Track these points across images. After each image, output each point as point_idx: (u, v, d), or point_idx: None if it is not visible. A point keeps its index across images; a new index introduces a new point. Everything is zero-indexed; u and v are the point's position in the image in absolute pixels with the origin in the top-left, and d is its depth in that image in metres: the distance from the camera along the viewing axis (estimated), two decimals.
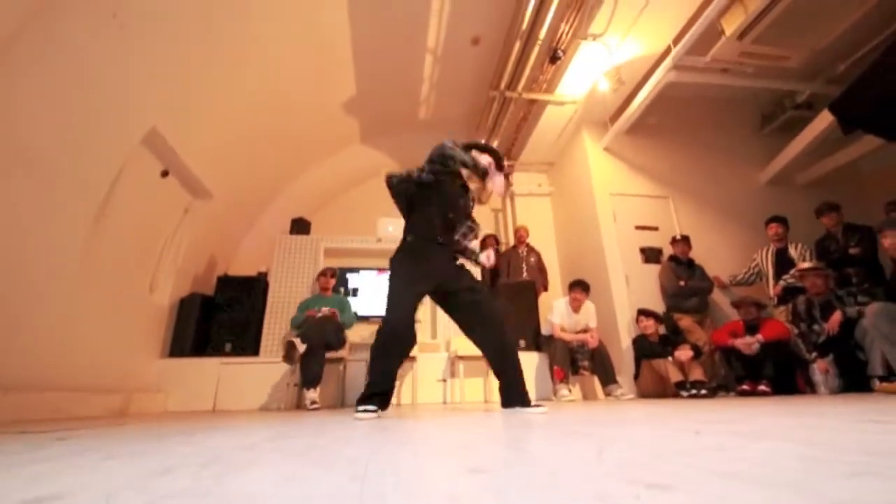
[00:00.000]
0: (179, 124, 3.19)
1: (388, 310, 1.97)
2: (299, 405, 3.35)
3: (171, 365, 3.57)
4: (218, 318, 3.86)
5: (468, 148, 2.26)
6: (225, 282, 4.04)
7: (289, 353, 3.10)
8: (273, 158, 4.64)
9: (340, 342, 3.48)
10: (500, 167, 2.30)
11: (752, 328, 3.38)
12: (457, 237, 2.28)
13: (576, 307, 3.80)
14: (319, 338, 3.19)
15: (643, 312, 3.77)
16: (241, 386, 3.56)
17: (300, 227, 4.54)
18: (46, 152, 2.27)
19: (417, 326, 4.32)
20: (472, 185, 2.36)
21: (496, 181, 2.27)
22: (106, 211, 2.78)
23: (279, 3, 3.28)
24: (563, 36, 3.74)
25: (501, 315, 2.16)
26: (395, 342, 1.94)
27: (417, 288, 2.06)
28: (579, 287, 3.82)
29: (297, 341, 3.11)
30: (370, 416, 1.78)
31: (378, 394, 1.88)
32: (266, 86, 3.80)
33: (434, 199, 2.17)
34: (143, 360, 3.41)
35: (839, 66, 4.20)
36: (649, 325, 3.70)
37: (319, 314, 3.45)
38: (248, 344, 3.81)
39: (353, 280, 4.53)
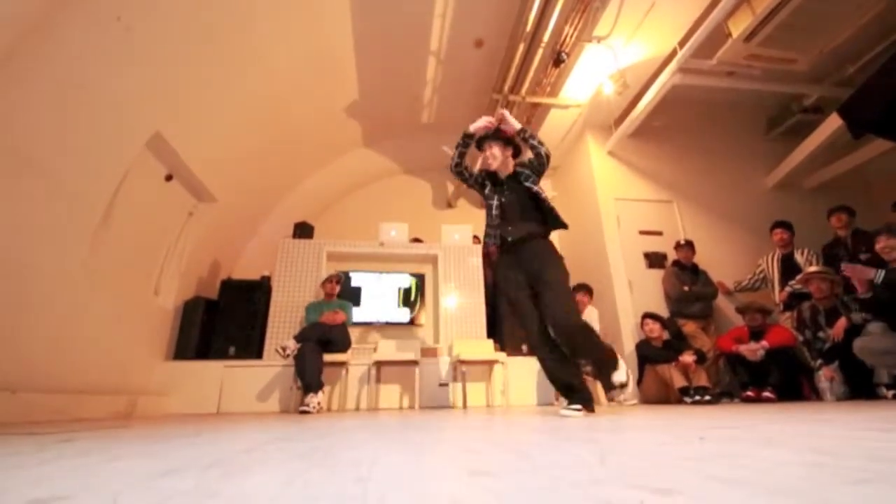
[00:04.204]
0: (183, 129, 3.22)
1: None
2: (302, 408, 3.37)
3: (176, 367, 3.58)
4: (222, 321, 3.88)
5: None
6: (229, 285, 4.06)
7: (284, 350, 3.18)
8: (276, 162, 4.67)
9: (346, 344, 3.50)
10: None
11: (757, 334, 3.35)
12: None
13: (579, 310, 3.80)
14: (314, 336, 3.23)
15: (648, 316, 3.75)
16: (245, 389, 3.57)
17: (303, 231, 4.55)
18: (51, 157, 2.30)
19: (420, 330, 4.37)
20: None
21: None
22: (110, 215, 2.81)
23: (282, 8, 3.31)
24: (568, 38, 3.74)
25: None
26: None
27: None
28: (583, 290, 3.81)
29: (292, 343, 3.16)
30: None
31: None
32: (269, 90, 3.83)
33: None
34: (148, 363, 3.42)
35: (848, 69, 4.18)
36: (654, 329, 3.67)
37: (333, 321, 3.48)
38: (251, 347, 3.83)
39: (355, 282, 4.53)
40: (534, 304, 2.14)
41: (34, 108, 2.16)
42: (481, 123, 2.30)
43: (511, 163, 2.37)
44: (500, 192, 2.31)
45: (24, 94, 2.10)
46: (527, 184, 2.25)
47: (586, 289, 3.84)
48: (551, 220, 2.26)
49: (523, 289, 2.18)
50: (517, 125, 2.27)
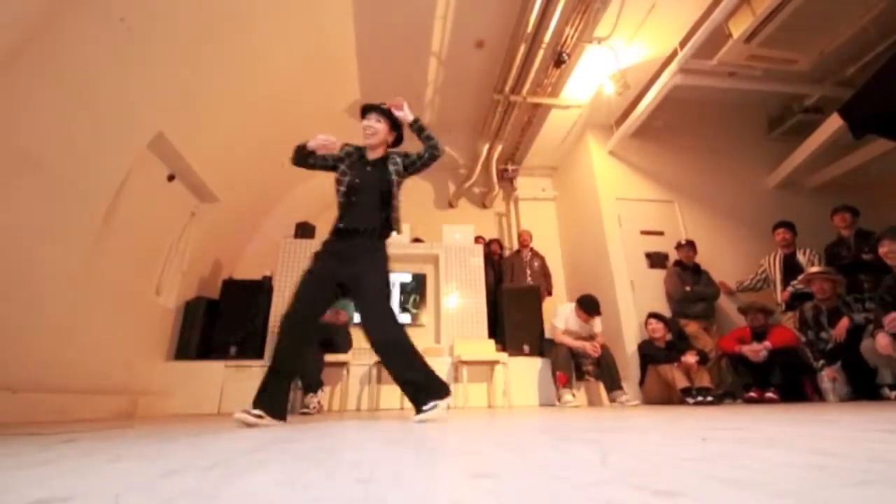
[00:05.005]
0: (186, 129, 3.22)
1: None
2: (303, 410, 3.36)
3: (177, 368, 3.58)
4: (223, 321, 3.88)
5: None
6: (230, 285, 4.06)
7: None
8: (278, 162, 4.67)
9: (348, 344, 3.50)
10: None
11: (759, 335, 3.34)
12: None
13: (584, 320, 3.76)
14: (315, 335, 3.23)
15: (653, 316, 3.73)
16: (246, 389, 3.54)
17: (305, 230, 4.56)
18: (53, 157, 2.30)
19: (421, 330, 4.37)
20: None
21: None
22: (113, 215, 2.81)
23: (283, 8, 3.32)
24: (569, 39, 3.75)
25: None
26: None
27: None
28: (591, 310, 3.69)
29: None
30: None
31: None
32: (271, 90, 3.84)
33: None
34: (149, 363, 3.42)
35: (849, 69, 4.17)
36: (658, 329, 3.66)
37: (336, 320, 3.46)
38: (252, 347, 3.83)
39: None
40: (324, 306, 1.95)
41: (37, 109, 2.17)
42: (320, 141, 2.00)
43: (384, 148, 2.12)
44: (357, 172, 2.01)
45: (28, 94, 2.10)
46: (391, 167, 2.00)
47: (593, 307, 3.76)
48: (394, 221, 2.00)
49: (327, 283, 1.91)
50: (410, 116, 2.03)
